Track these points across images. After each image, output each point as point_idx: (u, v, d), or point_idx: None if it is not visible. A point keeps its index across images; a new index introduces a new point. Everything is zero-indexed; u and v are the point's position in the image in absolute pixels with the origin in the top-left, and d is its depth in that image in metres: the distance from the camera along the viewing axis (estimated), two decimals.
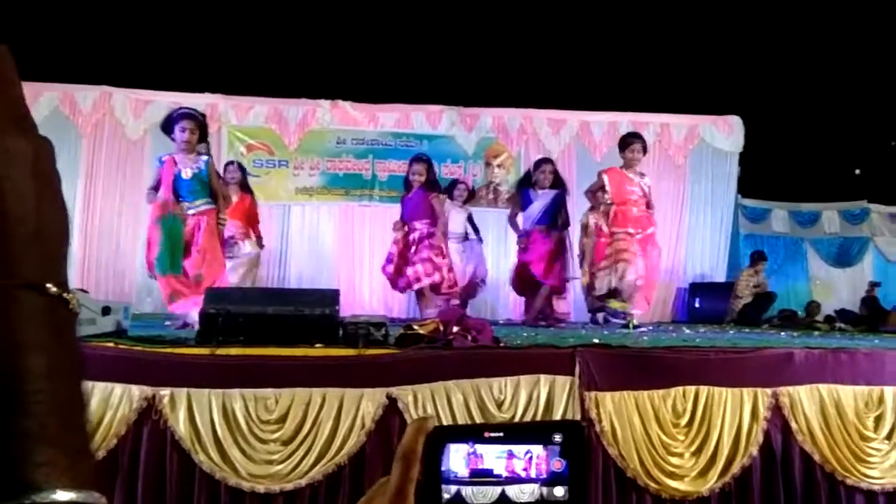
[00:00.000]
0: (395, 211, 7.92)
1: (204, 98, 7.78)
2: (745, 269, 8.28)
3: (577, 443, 0.55)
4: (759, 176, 9.13)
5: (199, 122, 4.71)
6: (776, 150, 9.17)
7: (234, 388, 3.10)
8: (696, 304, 8.26)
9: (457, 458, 0.55)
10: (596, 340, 3.92)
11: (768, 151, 8.99)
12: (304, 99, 8.22)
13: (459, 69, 8.38)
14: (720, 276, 8.71)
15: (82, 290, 5.38)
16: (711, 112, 8.75)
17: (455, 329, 3.62)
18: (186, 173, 4.60)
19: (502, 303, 8.02)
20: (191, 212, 4.59)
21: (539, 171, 6.09)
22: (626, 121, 8.44)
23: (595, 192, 5.83)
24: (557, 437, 0.55)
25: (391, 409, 3.18)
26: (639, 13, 8.59)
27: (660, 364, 3.53)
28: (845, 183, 9.45)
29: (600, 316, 6.14)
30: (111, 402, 3.02)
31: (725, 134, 8.76)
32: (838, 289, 9.32)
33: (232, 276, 5.84)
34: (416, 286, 5.82)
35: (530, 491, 0.55)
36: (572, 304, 6.79)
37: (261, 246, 6.72)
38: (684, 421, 3.45)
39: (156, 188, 4.65)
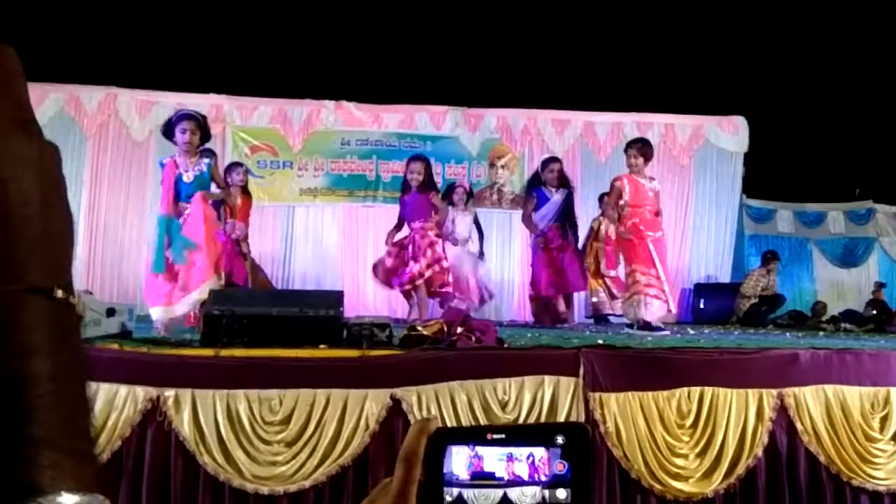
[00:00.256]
0: (399, 211, 7.97)
1: (208, 99, 7.79)
2: (757, 269, 8.22)
3: (581, 445, 0.55)
4: (763, 176, 9.11)
5: (200, 123, 4.62)
6: (781, 150, 9.15)
7: (239, 390, 3.11)
8: (701, 305, 8.24)
9: (458, 461, 0.55)
10: (600, 341, 3.91)
11: (773, 152, 8.97)
12: (308, 100, 8.23)
13: (463, 70, 8.38)
14: (725, 277, 8.69)
15: (87, 292, 5.40)
16: (716, 112, 8.73)
17: (459, 330, 3.62)
18: (188, 176, 4.53)
19: (507, 304, 8.01)
20: (187, 209, 4.53)
21: (548, 171, 6.10)
22: (630, 121, 8.43)
23: (615, 205, 5.75)
24: (560, 440, 0.55)
25: (395, 411, 3.18)
26: (643, 13, 8.58)
27: (664, 365, 3.53)
28: (850, 183, 9.41)
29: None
30: (116, 404, 3.03)
31: (730, 134, 8.74)
32: (844, 289, 9.29)
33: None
34: (408, 284, 5.82)
35: (532, 493, 0.54)
36: (575, 306, 6.79)
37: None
38: (689, 422, 3.44)
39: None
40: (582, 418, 3.27)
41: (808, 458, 3.53)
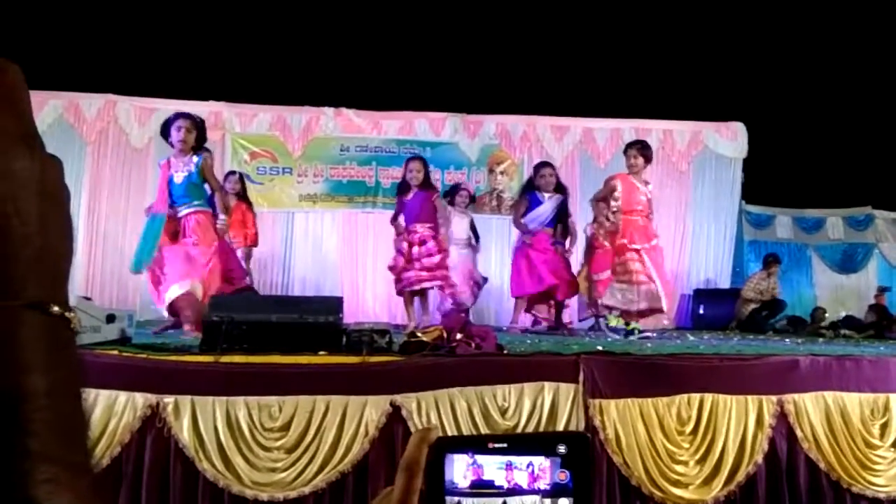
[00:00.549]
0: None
1: (208, 106, 7.81)
2: (757, 272, 8.22)
3: (582, 454, 0.55)
4: (762, 182, 9.12)
5: (195, 123, 4.65)
6: (780, 156, 9.16)
7: (238, 396, 3.10)
8: (701, 311, 8.24)
9: (458, 469, 0.55)
10: (600, 348, 3.91)
11: (772, 157, 8.98)
12: (307, 106, 8.25)
13: (463, 76, 8.40)
14: (724, 283, 8.69)
15: (86, 298, 5.39)
16: (715, 118, 8.75)
17: (459, 336, 3.62)
18: (178, 177, 4.55)
19: (505, 310, 8.00)
20: (181, 214, 4.55)
21: (540, 176, 6.08)
22: (629, 127, 8.45)
23: (602, 200, 5.79)
24: (562, 449, 0.55)
25: (395, 417, 3.17)
26: (642, 20, 8.61)
27: (664, 371, 3.53)
28: (849, 189, 9.43)
29: (601, 321, 6.14)
30: (115, 410, 3.03)
31: (729, 140, 8.76)
32: (843, 295, 9.29)
33: None
34: (416, 287, 5.80)
35: (532, 502, 0.55)
36: (574, 312, 6.80)
37: (249, 253, 6.74)
38: (689, 428, 3.44)
39: None
40: (582, 425, 3.26)
41: (808, 465, 3.52)
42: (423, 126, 8.37)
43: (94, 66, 7.71)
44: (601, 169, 8.12)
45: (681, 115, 8.65)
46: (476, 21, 8.46)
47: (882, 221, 9.60)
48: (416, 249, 5.70)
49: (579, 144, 8.55)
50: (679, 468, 3.40)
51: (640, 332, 5.42)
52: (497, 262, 8.00)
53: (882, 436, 3.60)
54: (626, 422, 3.34)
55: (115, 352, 3.26)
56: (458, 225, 6.54)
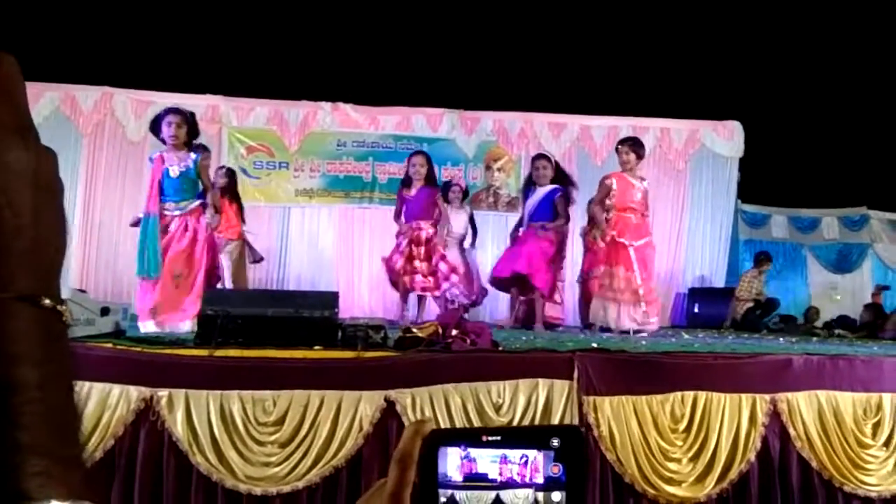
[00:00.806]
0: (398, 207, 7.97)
1: (205, 99, 7.79)
2: (749, 271, 8.25)
3: (576, 448, 0.55)
4: (758, 181, 9.14)
5: (186, 118, 4.53)
6: (776, 155, 9.18)
7: (232, 390, 3.10)
8: (696, 309, 8.26)
9: (451, 462, 0.55)
10: (595, 345, 3.92)
11: (768, 157, 9.00)
12: (304, 101, 8.23)
13: (460, 72, 8.40)
14: (719, 282, 8.71)
15: (81, 291, 5.37)
16: (712, 117, 8.76)
17: (454, 332, 3.62)
18: (174, 171, 4.42)
19: (501, 307, 8.01)
20: (177, 213, 4.42)
21: (534, 168, 6.05)
22: (626, 125, 8.45)
23: (599, 203, 5.75)
24: (555, 442, 0.55)
25: (389, 412, 3.17)
26: (640, 18, 8.61)
27: (659, 369, 3.53)
28: (845, 189, 9.45)
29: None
30: (109, 403, 3.02)
31: (726, 139, 8.77)
32: (837, 295, 9.33)
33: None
34: (419, 292, 5.81)
35: (525, 496, 0.55)
36: (568, 309, 6.80)
37: (256, 259, 6.71)
38: (682, 426, 3.45)
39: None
40: (576, 422, 3.27)
41: (800, 464, 3.53)
42: (421, 121, 8.37)
43: (91, 58, 7.69)
44: (598, 166, 8.12)
45: (678, 113, 8.66)
46: (474, 17, 8.45)
47: (877, 222, 9.64)
48: (418, 249, 5.70)
49: (576, 141, 8.56)
50: (672, 466, 3.41)
51: (635, 331, 5.43)
52: (493, 259, 7.98)
53: (874, 435, 3.61)
54: (620, 419, 3.35)
55: (109, 344, 3.26)
56: (456, 221, 6.54)
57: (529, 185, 6.12)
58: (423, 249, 5.79)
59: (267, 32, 8.13)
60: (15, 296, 0.43)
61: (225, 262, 6.35)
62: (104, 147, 7.84)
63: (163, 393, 3.05)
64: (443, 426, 3.07)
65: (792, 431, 3.50)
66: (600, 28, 8.55)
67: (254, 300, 3.71)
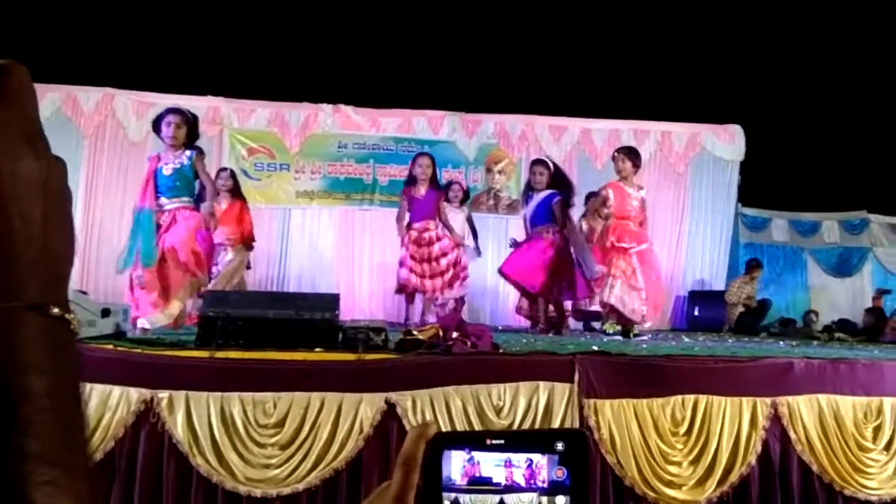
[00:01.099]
0: (395, 215, 7.94)
1: (206, 101, 7.80)
2: (740, 277, 8.28)
3: (580, 451, 0.55)
4: (759, 185, 9.14)
5: (186, 119, 4.55)
6: (777, 159, 9.18)
7: (233, 392, 3.10)
8: (696, 313, 8.26)
9: (455, 466, 0.55)
10: (595, 348, 3.92)
11: (769, 160, 9.00)
12: (306, 103, 8.24)
13: (461, 75, 8.40)
14: (720, 285, 8.71)
15: (82, 292, 5.38)
16: (712, 120, 8.77)
17: (454, 335, 3.62)
18: (167, 169, 4.45)
19: (501, 309, 8.01)
20: (168, 209, 4.43)
21: (531, 173, 6.04)
22: (627, 128, 8.46)
23: (595, 211, 5.82)
24: (559, 446, 0.55)
25: (390, 415, 3.17)
26: (641, 21, 8.61)
27: (659, 372, 3.53)
28: (845, 193, 9.45)
29: (597, 325, 6.14)
30: (109, 405, 3.02)
31: (726, 143, 8.78)
32: (837, 299, 9.32)
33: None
34: (432, 294, 5.82)
35: (529, 500, 0.55)
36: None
37: (249, 249, 6.69)
38: (683, 429, 3.45)
39: None
40: (576, 425, 3.27)
41: (801, 468, 3.53)
42: (422, 124, 8.37)
43: (92, 59, 7.69)
44: (598, 170, 8.13)
45: (679, 116, 8.66)
46: (475, 20, 8.46)
47: (877, 225, 9.63)
48: (429, 249, 5.71)
49: (577, 145, 8.56)
50: (672, 469, 3.41)
51: (636, 335, 5.43)
52: (493, 261, 7.98)
53: (875, 439, 3.61)
54: (620, 422, 3.35)
55: (110, 346, 3.26)
56: (455, 221, 6.54)
57: (528, 190, 6.12)
58: (435, 249, 5.82)
59: (268, 34, 8.13)
60: (24, 305, 0.44)
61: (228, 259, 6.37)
62: (105, 148, 7.84)
63: (163, 395, 3.05)
64: (443, 429, 3.08)
65: (792, 435, 3.50)
66: (601, 31, 8.56)
67: (254, 302, 3.71)
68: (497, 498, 0.55)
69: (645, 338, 5.36)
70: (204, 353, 3.21)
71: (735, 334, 7.28)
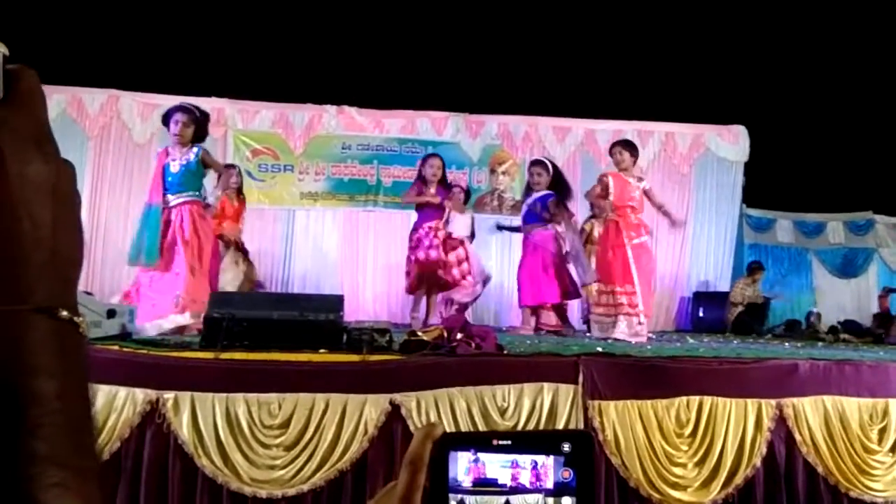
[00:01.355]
0: (399, 216, 7.97)
1: (210, 102, 7.79)
2: (742, 278, 8.26)
3: (586, 453, 0.55)
4: (763, 185, 9.12)
5: (194, 118, 4.62)
6: (781, 159, 9.16)
7: (238, 393, 3.10)
8: (700, 313, 8.25)
9: (461, 467, 0.55)
10: (600, 349, 3.91)
11: (773, 161, 8.98)
12: (310, 104, 8.24)
13: (465, 76, 8.40)
14: (724, 286, 8.69)
15: (87, 293, 5.39)
16: (717, 121, 8.75)
17: (459, 336, 3.62)
18: (174, 166, 4.53)
19: (506, 310, 8.01)
20: (175, 205, 4.50)
21: (529, 174, 6.14)
22: (631, 129, 8.44)
23: (598, 197, 5.82)
24: (566, 447, 0.55)
25: (394, 416, 3.18)
26: (645, 22, 8.60)
27: (664, 373, 3.53)
28: (850, 193, 9.43)
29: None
30: (115, 405, 3.03)
31: (730, 143, 8.76)
32: (842, 300, 9.29)
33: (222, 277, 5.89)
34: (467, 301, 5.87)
35: (535, 501, 0.55)
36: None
37: (245, 254, 6.73)
38: (688, 431, 3.44)
39: None
40: (581, 426, 3.27)
41: (806, 469, 3.53)
42: (426, 125, 8.37)
43: (98, 60, 7.71)
44: (602, 170, 8.10)
45: (683, 117, 8.65)
46: (479, 21, 8.45)
47: (882, 226, 9.60)
48: (437, 250, 5.75)
49: (581, 146, 8.55)
50: (677, 470, 3.40)
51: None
52: (497, 263, 8.00)
53: (880, 441, 3.60)
54: (625, 423, 3.35)
55: (116, 347, 3.27)
56: (459, 223, 6.54)
57: (528, 191, 6.17)
58: (453, 242, 5.89)
59: (272, 36, 8.14)
60: (33, 308, 0.44)
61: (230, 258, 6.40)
62: (110, 149, 7.86)
63: (168, 395, 3.06)
64: (447, 430, 3.07)
65: (798, 437, 3.50)
66: (605, 32, 8.55)
67: (259, 303, 3.72)
68: (503, 499, 0.55)
69: (643, 339, 5.31)
70: (209, 354, 3.21)
71: (734, 334, 7.28)
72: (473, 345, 3.59)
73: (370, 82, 8.39)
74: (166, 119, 4.72)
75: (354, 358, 3.28)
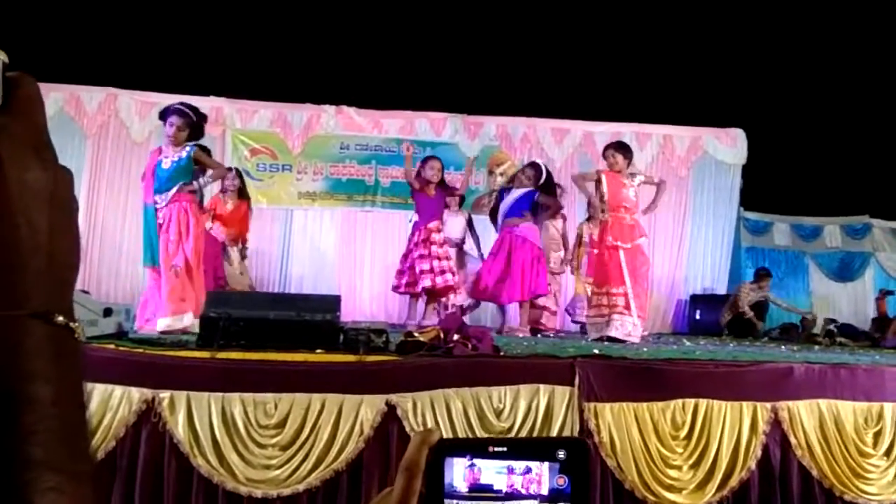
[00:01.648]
0: (397, 217, 7.97)
1: (209, 101, 7.80)
2: (748, 283, 8.22)
3: (581, 460, 0.56)
4: (761, 189, 9.13)
5: (189, 121, 4.63)
6: (779, 163, 9.17)
7: (234, 393, 3.10)
8: (697, 316, 8.26)
9: (457, 473, 0.55)
10: (596, 351, 3.92)
11: (771, 164, 9.00)
12: (308, 104, 8.24)
13: (464, 77, 8.40)
14: (721, 289, 8.71)
15: (84, 292, 5.39)
16: (715, 124, 8.76)
17: (455, 337, 3.62)
18: (166, 163, 4.56)
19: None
20: (163, 202, 4.51)
21: (520, 172, 6.22)
22: (629, 131, 8.45)
23: (585, 180, 5.83)
24: (561, 454, 0.55)
25: (390, 417, 3.18)
26: (644, 24, 8.61)
27: (660, 376, 3.53)
28: (847, 197, 9.44)
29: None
30: (110, 404, 3.03)
31: (728, 146, 8.77)
32: (839, 303, 9.30)
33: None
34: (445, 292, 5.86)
35: None
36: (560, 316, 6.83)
37: (243, 256, 6.72)
38: (683, 433, 3.45)
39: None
40: (577, 428, 3.27)
41: (801, 473, 3.53)
42: (424, 126, 8.37)
43: (96, 58, 7.70)
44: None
45: (681, 120, 8.66)
46: (478, 22, 8.46)
47: (879, 230, 9.61)
48: (439, 249, 5.77)
49: (579, 147, 8.56)
50: (672, 473, 3.41)
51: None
52: None
53: (875, 444, 3.61)
54: (620, 426, 3.35)
55: (112, 346, 3.26)
56: (453, 224, 6.55)
57: (508, 184, 6.20)
58: (444, 249, 5.89)
59: (271, 35, 8.14)
60: (29, 313, 0.44)
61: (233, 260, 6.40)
62: (108, 148, 7.85)
63: (164, 395, 3.05)
64: (444, 431, 3.08)
65: (793, 440, 3.50)
66: (604, 34, 8.56)
67: (256, 303, 3.72)
68: None
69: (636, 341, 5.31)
70: (205, 354, 3.21)
71: (731, 337, 7.29)
72: (470, 346, 3.59)
73: (369, 82, 8.39)
74: (163, 116, 4.73)
75: (351, 358, 3.28)
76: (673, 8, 8.50)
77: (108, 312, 3.57)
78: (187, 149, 4.60)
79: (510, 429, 3.25)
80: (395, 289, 6.12)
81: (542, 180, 6.08)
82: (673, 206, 8.62)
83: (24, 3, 7.16)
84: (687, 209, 8.76)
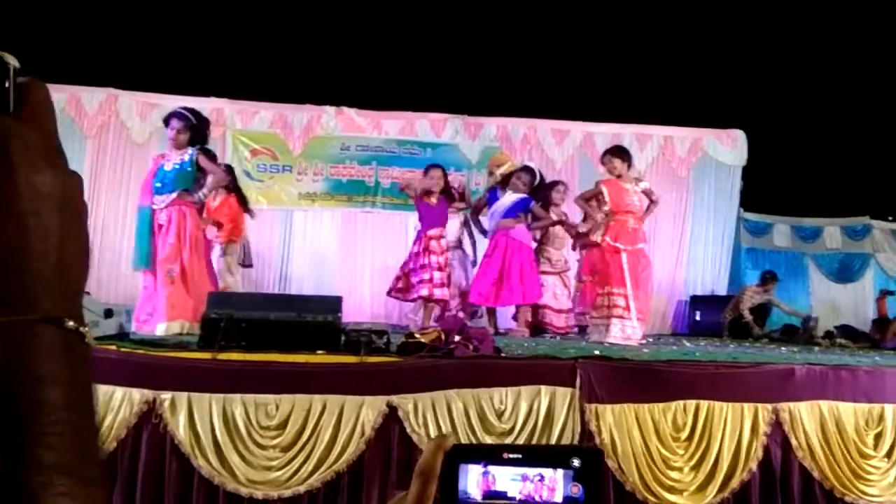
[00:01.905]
0: (397, 218, 7.98)
1: (210, 102, 7.79)
2: (753, 286, 8.19)
3: (596, 469, 0.56)
4: (761, 190, 9.14)
5: (190, 125, 4.65)
6: (779, 164, 9.18)
7: (235, 394, 3.11)
8: (697, 317, 8.25)
9: (472, 479, 0.55)
10: (597, 353, 3.92)
11: (771, 165, 9.00)
12: (309, 105, 8.23)
13: (464, 78, 8.40)
14: (721, 290, 8.71)
15: (85, 293, 5.38)
16: (715, 125, 8.76)
17: (457, 338, 3.62)
18: (168, 165, 4.57)
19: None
20: (162, 204, 4.51)
21: (516, 176, 6.18)
22: (629, 132, 8.45)
23: (588, 200, 5.84)
24: (575, 462, 0.55)
25: (391, 418, 3.18)
26: (644, 25, 8.62)
27: (661, 377, 3.54)
28: (848, 198, 9.45)
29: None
30: (112, 406, 3.03)
31: (729, 147, 8.77)
32: (839, 305, 9.30)
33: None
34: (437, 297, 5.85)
35: None
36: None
37: (246, 264, 6.70)
38: (684, 435, 3.45)
39: None
40: (577, 429, 3.27)
41: (801, 474, 3.54)
42: (424, 127, 8.37)
43: (96, 59, 7.70)
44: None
45: (681, 121, 8.65)
46: (479, 23, 8.46)
47: (879, 231, 9.61)
48: (440, 259, 5.76)
49: (579, 148, 8.56)
50: (673, 474, 3.41)
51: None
52: None
53: (876, 446, 3.62)
54: (621, 427, 3.35)
55: (113, 347, 3.26)
56: (450, 225, 6.53)
57: (502, 186, 6.20)
58: (444, 258, 5.88)
59: (272, 36, 8.14)
60: (40, 317, 0.44)
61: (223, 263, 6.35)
62: (108, 148, 7.84)
63: (166, 396, 3.05)
64: (443, 431, 3.08)
65: (794, 441, 3.51)
66: (605, 35, 8.56)
67: (257, 304, 3.72)
68: None
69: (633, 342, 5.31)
70: (206, 355, 3.21)
71: (732, 338, 7.28)
72: (471, 347, 3.59)
73: (369, 83, 8.39)
74: (167, 121, 4.76)
75: (352, 359, 3.29)
76: (673, 9, 8.51)
77: (109, 314, 3.57)
78: (190, 151, 4.61)
79: (511, 430, 3.25)
80: (389, 293, 6.14)
81: (535, 185, 6.15)
82: (673, 207, 8.62)
83: (24, 3, 7.15)
84: (687, 210, 8.75)
